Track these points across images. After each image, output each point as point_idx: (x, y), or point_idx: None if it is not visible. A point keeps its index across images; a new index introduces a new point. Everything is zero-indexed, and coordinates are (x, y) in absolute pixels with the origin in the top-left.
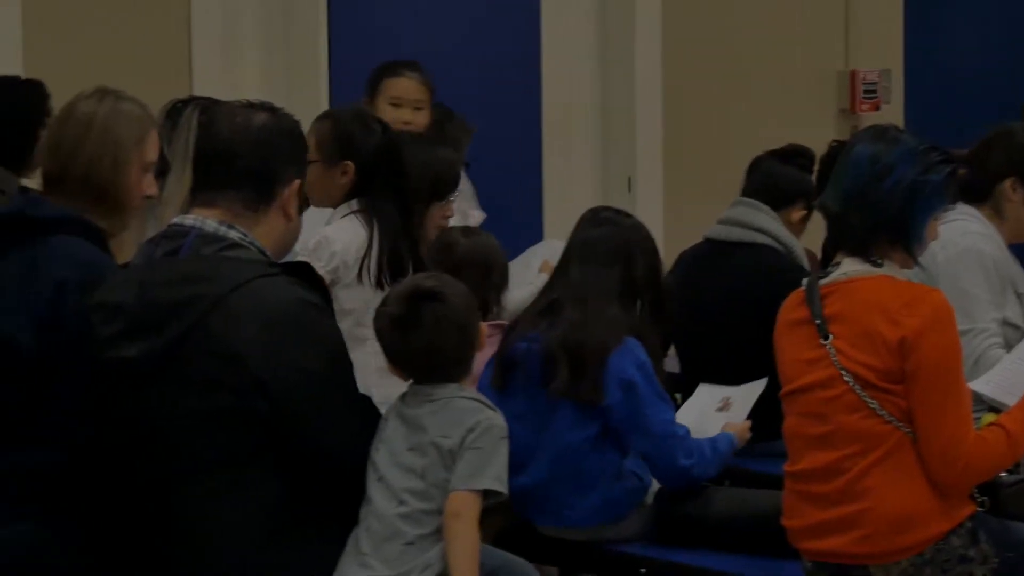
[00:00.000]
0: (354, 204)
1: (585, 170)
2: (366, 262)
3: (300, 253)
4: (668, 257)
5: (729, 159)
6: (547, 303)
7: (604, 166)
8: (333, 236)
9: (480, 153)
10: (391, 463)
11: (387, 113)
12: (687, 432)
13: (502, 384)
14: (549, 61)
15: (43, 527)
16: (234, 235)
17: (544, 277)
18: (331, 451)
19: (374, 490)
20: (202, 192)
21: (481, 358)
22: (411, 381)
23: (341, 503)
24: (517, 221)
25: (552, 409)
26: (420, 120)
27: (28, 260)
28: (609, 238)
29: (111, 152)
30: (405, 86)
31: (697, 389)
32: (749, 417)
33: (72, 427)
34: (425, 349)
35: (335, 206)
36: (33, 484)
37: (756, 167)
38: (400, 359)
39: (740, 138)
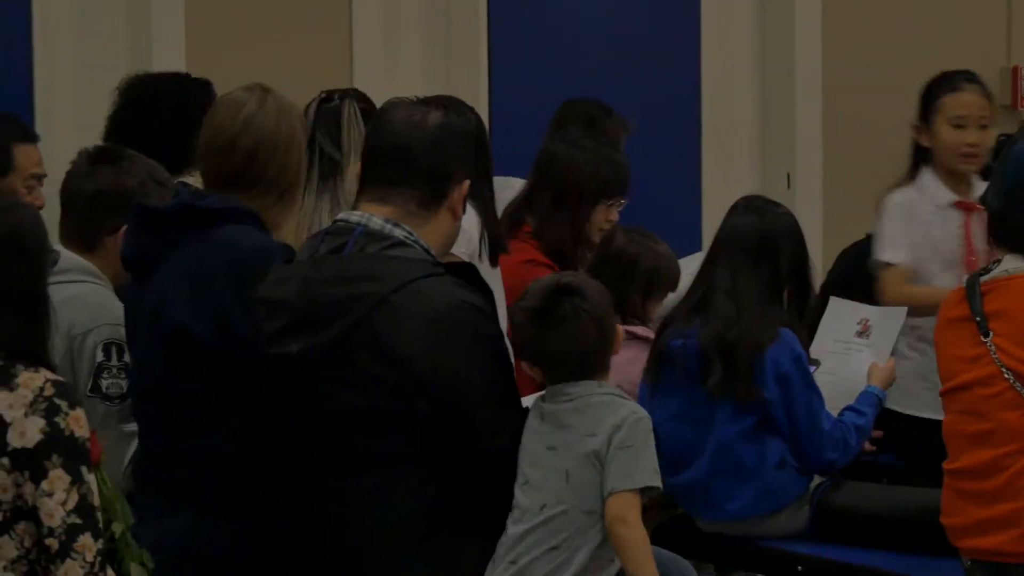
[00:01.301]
0: None
1: (744, 166)
2: (483, 241)
3: None
4: (827, 253)
5: (889, 155)
6: (698, 298)
7: (763, 162)
8: (464, 222)
9: (639, 151)
10: (532, 465)
11: (948, 135)
12: (833, 424)
13: (656, 381)
14: (708, 57)
15: (207, 520)
16: (399, 233)
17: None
18: (488, 455)
19: (520, 493)
20: (373, 188)
21: (626, 364)
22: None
23: (496, 505)
24: (676, 218)
25: (712, 405)
26: (987, 141)
27: (199, 250)
28: (755, 229)
29: (298, 154)
30: (968, 102)
31: (829, 304)
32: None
33: (237, 421)
34: (564, 344)
35: None
36: (199, 477)
37: None
38: (537, 355)
39: (900, 133)
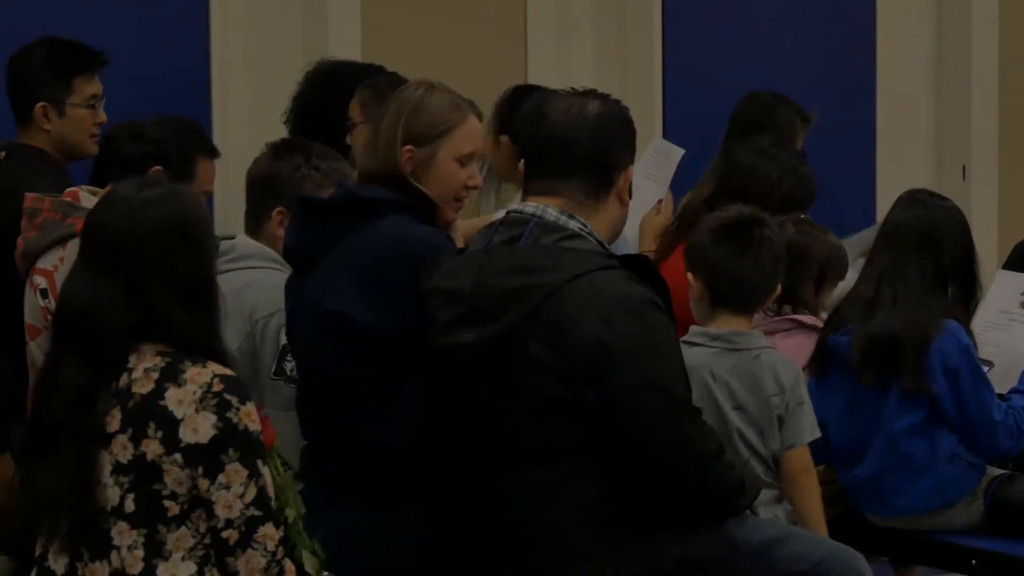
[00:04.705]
0: None
1: (919, 158)
2: None
3: None
4: (1003, 246)
5: None
6: (862, 291)
7: (938, 154)
8: None
9: (813, 143)
10: (720, 423)
11: None
12: (1005, 412)
13: (821, 374)
14: (884, 49)
15: (371, 514)
16: (574, 225)
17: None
18: (655, 450)
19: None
20: (538, 182)
21: (795, 351)
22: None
23: (664, 502)
24: (850, 211)
25: (880, 400)
26: None
27: (366, 239)
28: (919, 221)
29: None
30: None
31: (996, 276)
32: None
33: (405, 411)
34: (744, 269)
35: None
36: (365, 469)
37: None
38: (709, 270)
39: None
